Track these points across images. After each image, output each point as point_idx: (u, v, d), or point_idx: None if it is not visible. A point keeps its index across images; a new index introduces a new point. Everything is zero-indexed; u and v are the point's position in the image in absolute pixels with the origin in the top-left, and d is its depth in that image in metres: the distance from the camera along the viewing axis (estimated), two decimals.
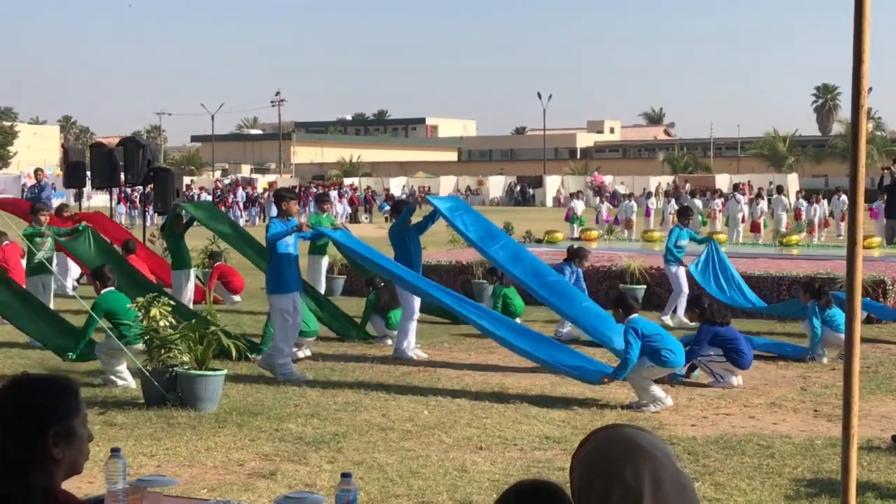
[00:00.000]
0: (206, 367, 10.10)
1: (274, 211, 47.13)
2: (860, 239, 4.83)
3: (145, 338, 10.32)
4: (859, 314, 4.83)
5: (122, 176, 21.85)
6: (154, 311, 10.26)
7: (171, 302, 10.83)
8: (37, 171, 27.67)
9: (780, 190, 37.68)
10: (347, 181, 77.93)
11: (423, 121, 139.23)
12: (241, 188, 59.13)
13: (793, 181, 77.92)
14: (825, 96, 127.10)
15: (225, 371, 10.29)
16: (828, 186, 70.22)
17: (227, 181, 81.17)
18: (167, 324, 10.33)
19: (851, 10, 4.43)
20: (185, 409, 9.91)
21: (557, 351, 11.54)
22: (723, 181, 76.14)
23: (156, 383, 10.02)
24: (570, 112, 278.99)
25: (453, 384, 11.40)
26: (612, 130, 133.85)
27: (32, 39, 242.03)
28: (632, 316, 10.39)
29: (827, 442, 8.79)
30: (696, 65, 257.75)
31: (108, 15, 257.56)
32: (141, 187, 23.39)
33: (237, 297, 18.64)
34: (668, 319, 15.34)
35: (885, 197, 28.88)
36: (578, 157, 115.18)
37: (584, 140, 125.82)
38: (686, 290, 15.55)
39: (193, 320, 10.49)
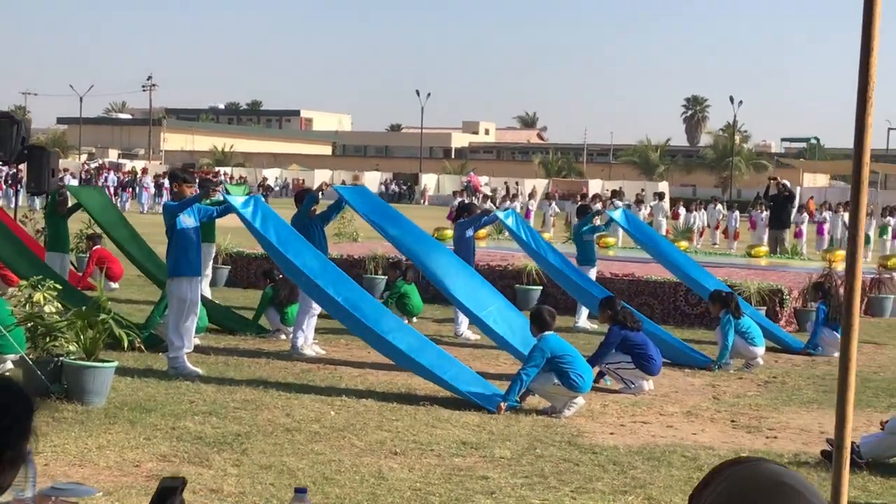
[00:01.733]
0: (94, 358, 9.35)
1: (145, 196, 45.46)
2: (861, 244, 4.49)
3: (28, 324, 9.51)
4: (857, 326, 4.49)
5: None
6: (38, 296, 9.47)
7: (58, 285, 10.02)
8: None
9: (661, 196, 38.07)
10: (220, 171, 76.33)
11: (297, 113, 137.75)
12: (111, 172, 57.30)
13: (663, 189, 79.36)
14: (694, 108, 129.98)
15: (115, 363, 9.55)
16: (695, 196, 71.65)
17: (94, 165, 78.86)
18: (52, 309, 9.55)
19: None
20: (72, 403, 9.16)
21: (455, 371, 10.79)
22: (595, 186, 77.13)
23: (39, 373, 9.24)
24: (445, 112, 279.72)
25: (356, 383, 10.85)
26: (486, 132, 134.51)
27: None
28: (545, 333, 9.97)
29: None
30: (570, 71, 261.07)
31: None
32: (13, 166, 22.10)
33: (115, 285, 17.71)
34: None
35: (768, 208, 29.24)
36: (453, 156, 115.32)
37: (460, 140, 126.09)
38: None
39: (84, 307, 9.66)
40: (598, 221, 16.15)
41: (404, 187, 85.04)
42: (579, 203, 22.20)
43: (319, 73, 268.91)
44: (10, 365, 10.35)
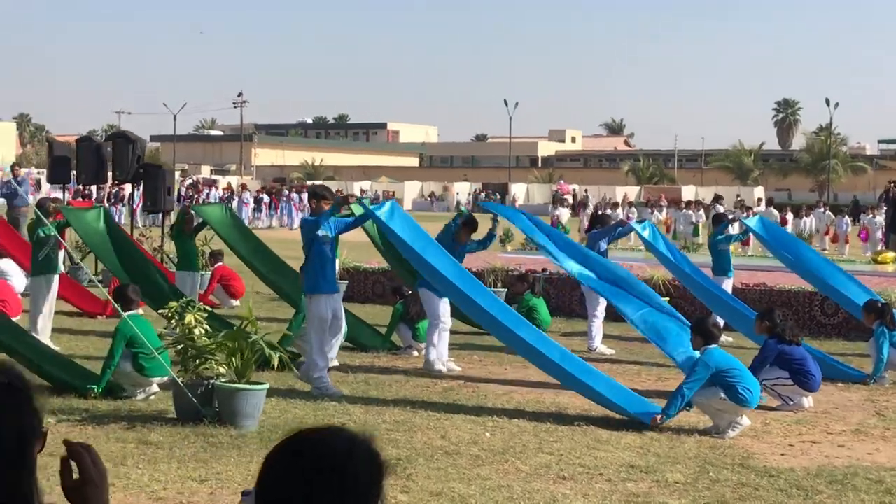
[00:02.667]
0: (246, 381, 9.17)
1: (245, 211, 45.66)
2: None
3: (178, 347, 9.37)
4: None
5: (111, 172, 20.87)
6: (189, 318, 9.32)
7: (206, 308, 9.88)
8: (12, 166, 26.49)
9: (769, 202, 37.30)
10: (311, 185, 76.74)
11: (384, 125, 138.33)
12: (211, 188, 57.90)
13: (759, 194, 78.00)
14: (786, 110, 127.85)
15: (267, 385, 9.35)
16: (791, 200, 70.34)
17: (188, 182, 79.85)
18: (202, 331, 9.39)
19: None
20: (224, 427, 8.98)
21: (605, 385, 10.49)
22: (689, 192, 76.05)
23: (192, 397, 9.09)
24: (530, 121, 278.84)
25: (504, 402, 10.55)
26: (573, 140, 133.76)
27: None
28: (709, 346, 9.59)
29: None
30: (656, 76, 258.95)
31: (63, 10, 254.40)
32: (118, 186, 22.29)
33: (236, 302, 17.66)
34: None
35: (889, 211, 28.35)
36: (540, 165, 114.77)
37: (546, 149, 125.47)
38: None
39: (234, 328, 9.48)
40: (733, 230, 15.67)
41: (494, 197, 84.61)
42: (714, 212, 21.58)
43: (405, 85, 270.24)
44: (155, 388, 10.25)
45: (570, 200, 56.89)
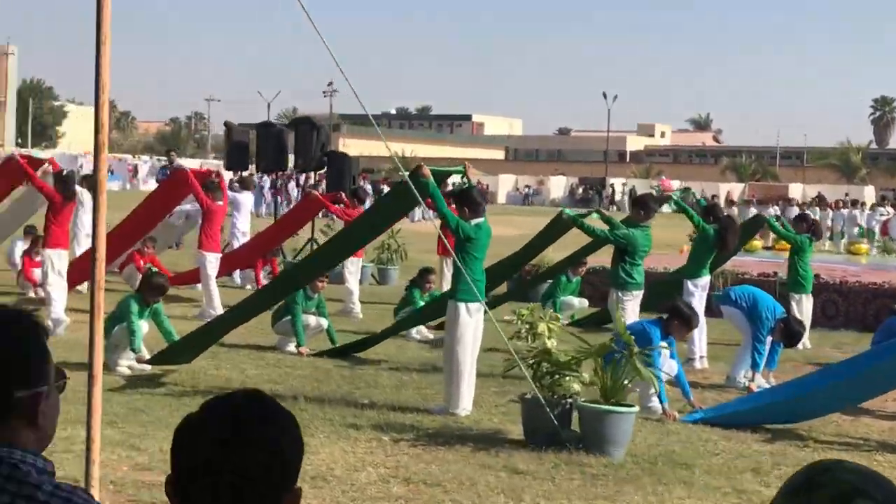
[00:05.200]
0: (614, 402, 7.88)
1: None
2: None
3: (531, 360, 8.11)
4: None
5: (293, 159, 19.88)
6: (542, 327, 8.06)
7: (558, 315, 8.61)
8: (169, 152, 25.67)
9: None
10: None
11: (469, 117, 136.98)
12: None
13: (869, 194, 75.57)
14: (883, 108, 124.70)
15: (636, 408, 8.04)
16: None
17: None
18: (554, 342, 8.12)
19: None
20: (593, 455, 7.69)
21: None
22: (796, 190, 73.93)
23: (552, 415, 7.81)
24: (616, 115, 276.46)
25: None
26: (662, 135, 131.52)
27: (69, 15, 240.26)
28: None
29: None
30: (742, 72, 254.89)
31: None
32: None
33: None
34: None
35: None
36: (628, 159, 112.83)
37: (635, 143, 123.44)
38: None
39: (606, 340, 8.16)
40: None
41: (591, 192, 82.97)
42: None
43: (489, 77, 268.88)
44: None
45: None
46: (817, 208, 35.48)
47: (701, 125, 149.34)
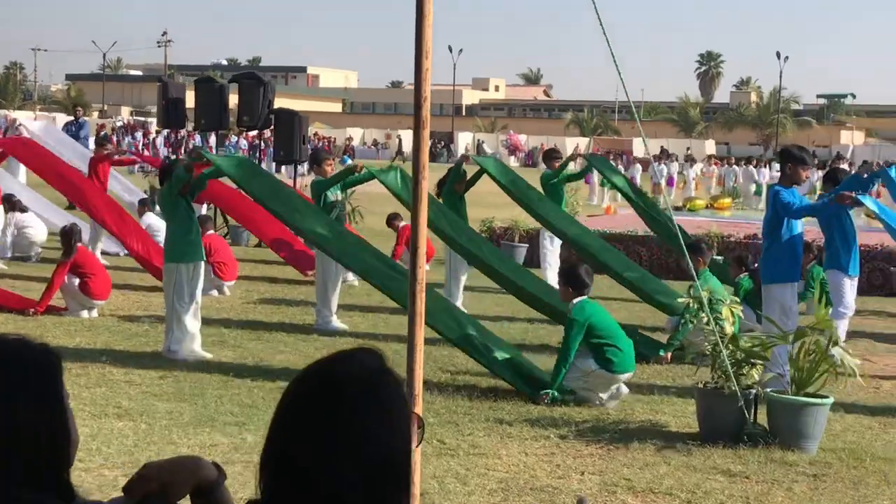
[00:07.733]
0: (805, 393, 7.42)
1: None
2: None
3: (711, 347, 7.55)
4: None
5: (236, 117, 18.67)
6: (725, 311, 7.54)
7: (737, 298, 8.09)
8: (75, 107, 23.95)
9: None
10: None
11: (304, 69, 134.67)
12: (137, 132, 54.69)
13: (709, 147, 77.80)
14: (708, 63, 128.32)
15: (831, 399, 7.57)
16: (729, 154, 70.10)
17: (119, 124, 76.12)
18: (732, 328, 7.61)
19: None
20: (789, 450, 7.21)
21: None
22: (639, 145, 75.36)
23: (745, 411, 7.30)
24: (443, 69, 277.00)
25: None
26: (496, 88, 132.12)
27: None
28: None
29: None
30: (574, 27, 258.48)
31: None
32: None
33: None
34: None
35: None
36: (464, 113, 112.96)
37: (470, 97, 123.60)
38: None
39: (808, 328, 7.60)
40: None
41: (440, 146, 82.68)
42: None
43: (322, 29, 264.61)
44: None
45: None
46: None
47: (531, 80, 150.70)
